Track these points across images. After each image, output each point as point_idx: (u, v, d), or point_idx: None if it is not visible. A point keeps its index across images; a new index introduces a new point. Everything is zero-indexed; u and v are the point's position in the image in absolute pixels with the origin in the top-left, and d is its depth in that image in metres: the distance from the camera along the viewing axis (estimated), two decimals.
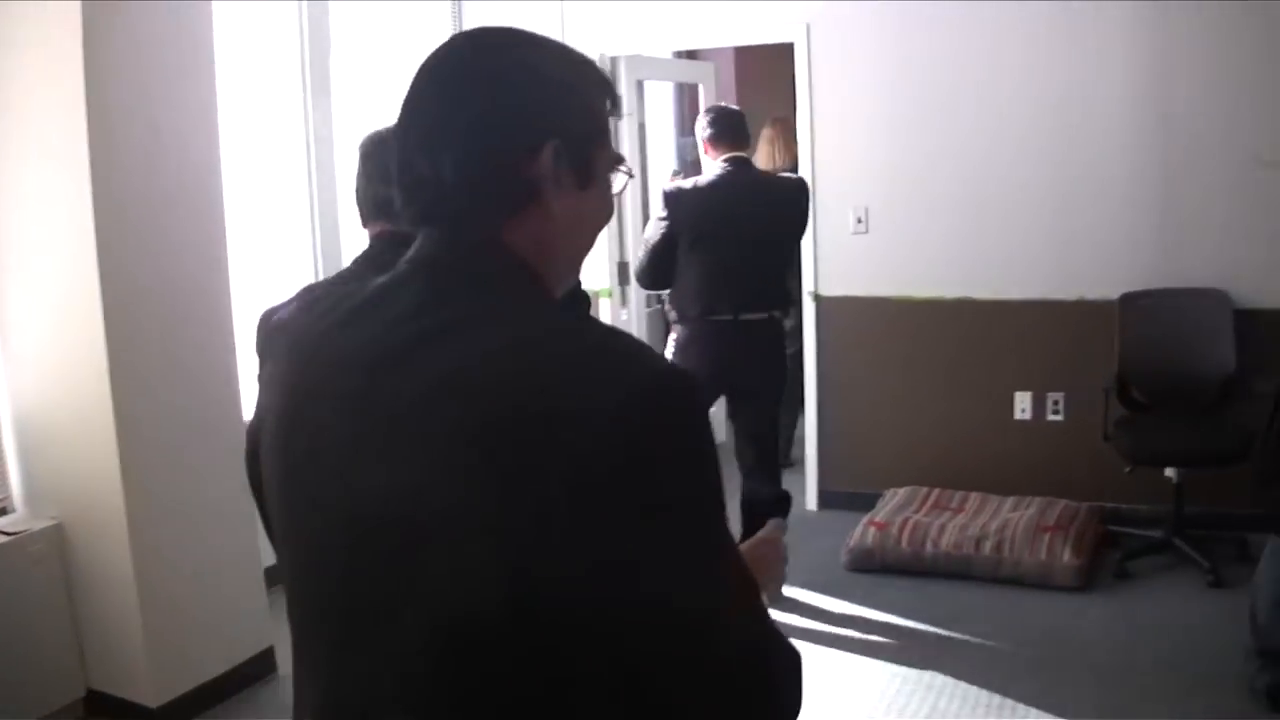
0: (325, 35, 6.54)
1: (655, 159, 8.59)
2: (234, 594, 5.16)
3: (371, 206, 3.23)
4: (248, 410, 5.16)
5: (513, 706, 1.42)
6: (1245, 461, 5.84)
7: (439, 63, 1.70)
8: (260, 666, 5.26)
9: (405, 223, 1.64)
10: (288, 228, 6.50)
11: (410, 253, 1.61)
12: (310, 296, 2.55)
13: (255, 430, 1.70)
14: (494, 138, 1.58)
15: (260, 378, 1.75)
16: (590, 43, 7.46)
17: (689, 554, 1.41)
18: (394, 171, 1.65)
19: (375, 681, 1.52)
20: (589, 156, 1.63)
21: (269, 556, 5.43)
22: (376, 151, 3.24)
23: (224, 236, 5.12)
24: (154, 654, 4.77)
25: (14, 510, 4.90)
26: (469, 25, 7.39)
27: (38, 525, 4.79)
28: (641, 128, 7.92)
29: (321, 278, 6.15)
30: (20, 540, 4.69)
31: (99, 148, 4.51)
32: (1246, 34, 6.22)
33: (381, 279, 1.62)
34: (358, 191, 3.26)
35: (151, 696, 4.78)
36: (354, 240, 6.43)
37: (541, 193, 1.58)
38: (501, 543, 1.37)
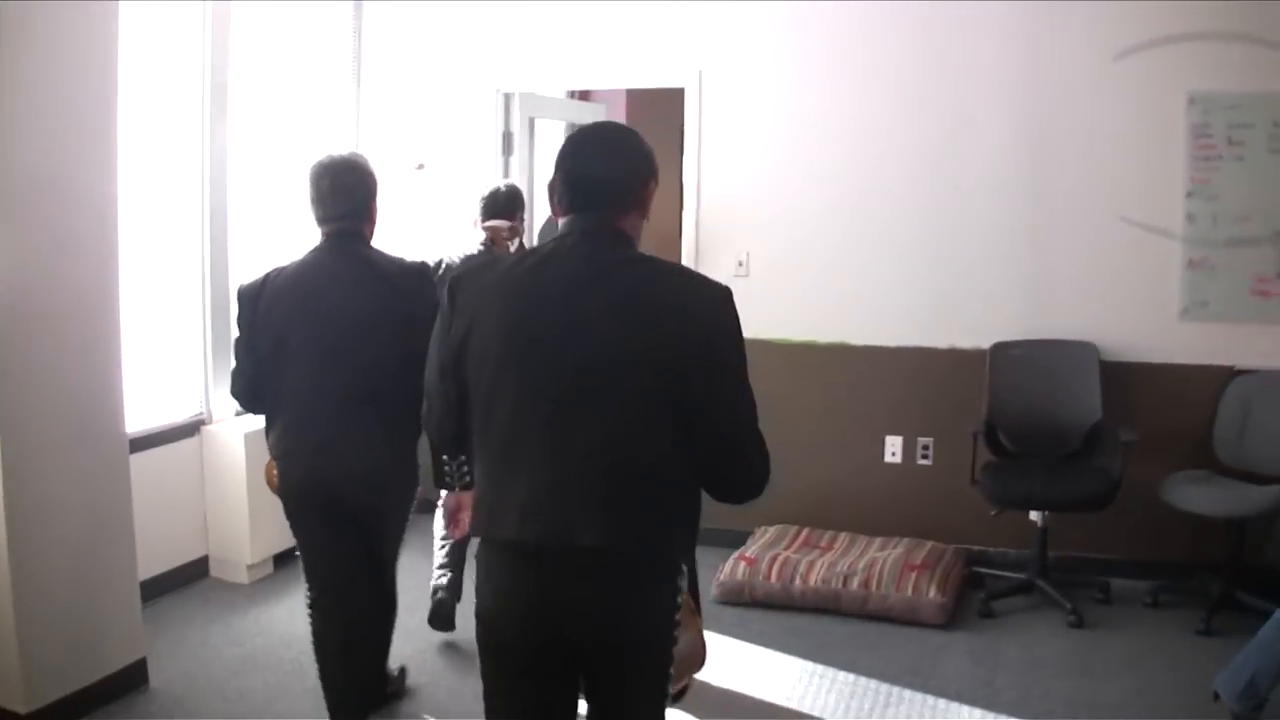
0: (225, 47, 6.55)
1: (542, 196, 8.64)
2: (109, 604, 5.09)
3: (320, 219, 4.47)
4: (131, 420, 5.13)
5: (671, 431, 2.88)
6: (1108, 507, 6.02)
7: (595, 131, 3.19)
8: (132, 677, 5.17)
9: (562, 209, 3.03)
10: (178, 239, 6.48)
11: (568, 228, 3.00)
12: (291, 271, 4.41)
13: (464, 331, 3.01)
14: (635, 173, 3.06)
15: (456, 305, 3.05)
16: (485, 79, 7.55)
17: (744, 383, 2.94)
18: (562, 181, 3.01)
19: (579, 465, 2.88)
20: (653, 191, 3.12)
21: (145, 569, 5.40)
22: (319, 183, 4.45)
23: (116, 244, 5.07)
24: (27, 660, 4.66)
25: None
26: (366, 63, 7.52)
27: None
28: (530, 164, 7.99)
29: (209, 285, 6.50)
30: None
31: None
32: (1117, 95, 6.50)
33: (550, 244, 3.00)
34: (314, 203, 4.46)
35: (22, 703, 4.67)
36: (241, 248, 6.49)
37: (643, 205, 3.08)
38: (660, 371, 2.84)
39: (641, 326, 2.85)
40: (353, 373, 4.33)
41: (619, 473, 2.87)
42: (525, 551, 2.91)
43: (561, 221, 3.03)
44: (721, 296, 2.91)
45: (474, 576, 3.06)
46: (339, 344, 4.33)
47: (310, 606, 4.64)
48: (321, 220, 4.46)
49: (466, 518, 3.40)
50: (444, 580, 5.72)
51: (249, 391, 4.52)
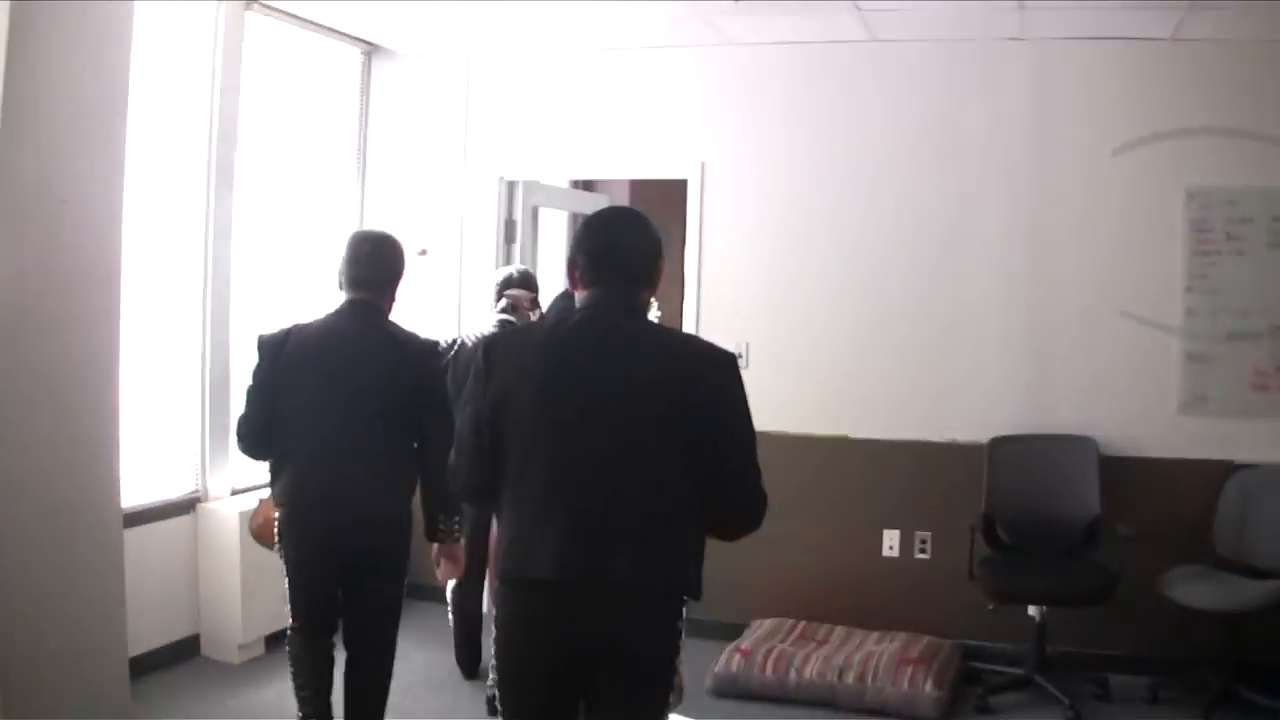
0: (233, 127, 6.62)
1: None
2: (98, 678, 5.03)
3: (350, 281, 4.74)
4: (126, 494, 5.13)
5: (686, 478, 3.25)
6: (1107, 602, 5.98)
7: (614, 213, 3.74)
8: None
9: (584, 283, 3.41)
10: (176, 314, 6.51)
11: (593, 299, 3.39)
12: (313, 329, 4.73)
13: (501, 389, 3.33)
14: (650, 253, 3.48)
15: (493, 365, 3.37)
16: (489, 166, 7.61)
17: (748, 421, 3.32)
18: (586, 256, 3.42)
19: (613, 511, 3.22)
20: None
21: (135, 645, 5.35)
22: (359, 246, 4.79)
23: (118, 321, 5.10)
24: None
25: None
26: (372, 148, 7.60)
27: None
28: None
29: (209, 362, 6.55)
30: None
31: (2, 224, 4.51)
32: (1116, 189, 6.58)
33: (581, 312, 3.40)
34: (341, 272, 4.75)
35: None
36: (241, 325, 6.50)
37: (655, 282, 3.48)
38: (686, 416, 3.24)
39: (666, 386, 3.28)
40: (359, 431, 4.61)
41: (648, 518, 3.25)
42: (559, 588, 3.22)
43: (584, 294, 3.43)
44: (730, 360, 3.36)
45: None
46: (349, 404, 4.61)
47: (291, 632, 4.87)
48: (351, 284, 4.75)
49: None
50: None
51: (256, 438, 4.76)
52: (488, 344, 3.48)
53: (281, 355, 4.67)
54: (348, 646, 4.82)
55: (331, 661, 4.86)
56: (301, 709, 4.89)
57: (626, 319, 3.38)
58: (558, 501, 3.26)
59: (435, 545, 4.79)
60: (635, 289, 3.43)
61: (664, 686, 3.33)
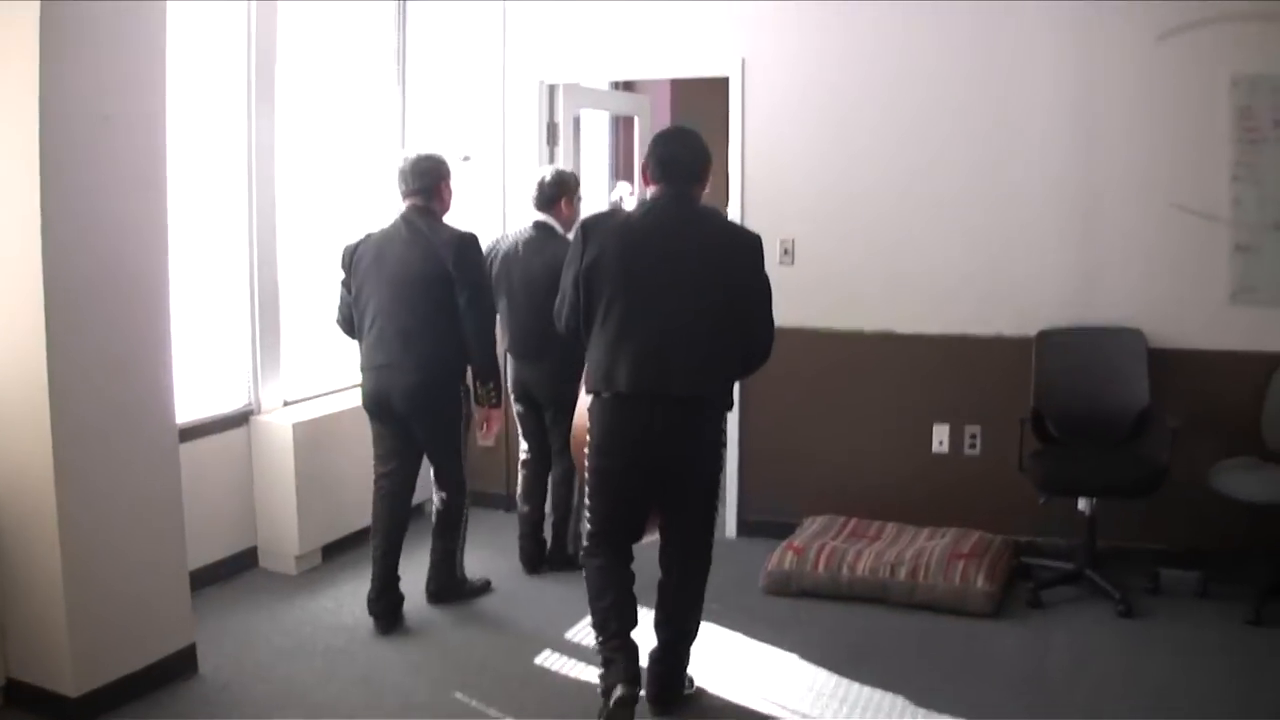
0: (271, 43, 6.61)
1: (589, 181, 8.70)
2: (159, 591, 5.12)
3: (402, 193, 5.85)
4: (180, 410, 5.20)
5: (724, 323, 4.68)
6: (1156, 493, 5.98)
7: (675, 132, 5.05)
8: (181, 664, 5.22)
9: (653, 180, 4.80)
10: (225, 232, 6.54)
11: (660, 193, 4.76)
12: (375, 235, 5.86)
13: (594, 256, 4.67)
14: (702, 160, 4.83)
15: (588, 239, 4.72)
16: (529, 70, 7.58)
17: (767, 283, 4.78)
18: (656, 162, 4.78)
19: (669, 331, 4.62)
20: None
21: (193, 559, 5.46)
22: (402, 164, 5.87)
23: (166, 234, 5.12)
24: (76, 644, 4.71)
25: None
26: (411, 58, 7.59)
27: None
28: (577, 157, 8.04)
29: (257, 278, 6.65)
30: None
31: (50, 141, 4.52)
32: (1159, 78, 6.46)
33: (650, 202, 4.80)
34: (399, 180, 5.84)
35: (71, 686, 4.72)
36: (288, 239, 6.56)
37: (705, 181, 4.84)
38: (725, 278, 4.68)
39: (710, 256, 4.72)
40: (405, 315, 5.72)
41: (697, 347, 4.67)
42: (632, 399, 4.66)
43: (653, 188, 4.83)
44: (756, 239, 4.85)
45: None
46: (397, 293, 5.72)
47: (375, 479, 6.02)
48: (403, 194, 5.85)
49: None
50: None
51: (343, 322, 6.02)
52: (584, 224, 4.87)
53: (352, 258, 5.86)
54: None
55: (395, 514, 6.03)
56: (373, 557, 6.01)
57: (682, 208, 4.78)
58: (630, 336, 4.66)
59: (478, 408, 5.89)
60: (689, 187, 4.82)
61: (712, 485, 4.90)
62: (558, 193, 6.49)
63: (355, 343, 5.96)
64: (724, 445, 4.94)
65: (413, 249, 5.71)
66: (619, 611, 4.85)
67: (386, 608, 5.89)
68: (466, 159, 7.50)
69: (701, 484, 4.84)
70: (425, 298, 5.68)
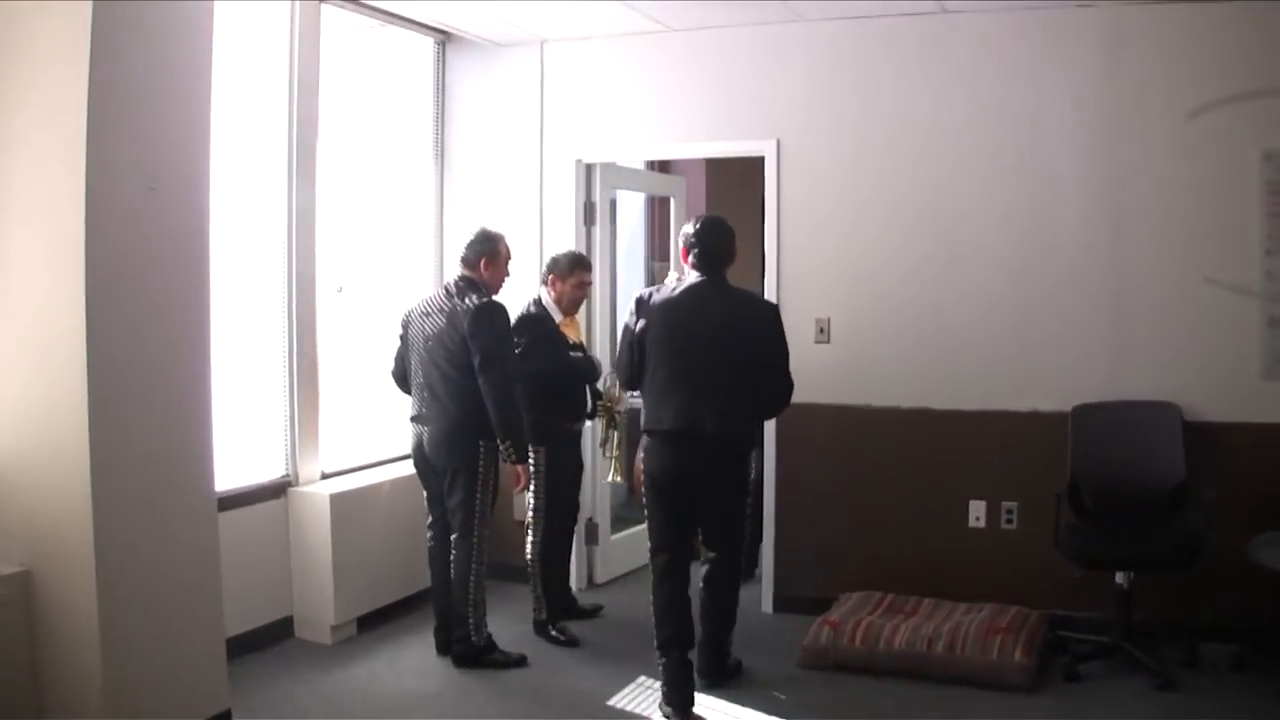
0: (313, 117, 6.74)
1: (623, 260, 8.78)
2: (195, 658, 5.15)
3: (460, 258, 6.44)
4: (219, 479, 5.27)
5: (745, 376, 5.77)
6: (1193, 567, 5.95)
7: (711, 223, 6.01)
8: None
9: (693, 264, 5.91)
10: (266, 302, 6.64)
11: (697, 277, 5.87)
12: (418, 302, 6.51)
13: (645, 326, 5.84)
14: (731, 249, 5.97)
15: (640, 311, 5.90)
16: (566, 149, 7.68)
17: (785, 344, 5.87)
18: (696, 249, 5.87)
19: (701, 384, 5.73)
20: None
21: (230, 626, 5.46)
22: (470, 236, 6.45)
23: (208, 306, 5.20)
24: (112, 706, 4.71)
25: None
26: (450, 128, 7.72)
27: (5, 570, 4.75)
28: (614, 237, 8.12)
29: (295, 351, 6.72)
30: None
31: (95, 211, 4.59)
32: (1199, 156, 6.50)
33: (690, 283, 5.89)
34: (465, 258, 6.41)
35: None
36: (327, 312, 6.64)
37: (731, 261, 5.98)
38: (746, 340, 5.76)
39: (737, 324, 5.77)
40: (433, 372, 6.29)
41: (724, 398, 5.70)
42: (675, 437, 5.74)
43: (692, 271, 5.88)
44: (774, 308, 6.12)
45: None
46: (429, 354, 6.30)
47: (428, 528, 6.56)
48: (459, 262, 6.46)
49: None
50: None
51: (396, 375, 6.62)
52: (639, 298, 5.98)
53: (407, 317, 6.49)
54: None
55: (441, 561, 6.47)
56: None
57: (713, 286, 5.83)
58: (674, 389, 5.75)
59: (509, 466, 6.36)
60: (720, 269, 5.90)
61: (739, 510, 6.04)
62: (573, 267, 6.92)
63: (392, 415, 6.60)
64: (750, 474, 6.56)
65: (442, 313, 6.28)
66: (677, 635, 5.83)
67: (443, 643, 6.47)
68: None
69: (728, 493, 5.95)
70: (447, 358, 6.22)
